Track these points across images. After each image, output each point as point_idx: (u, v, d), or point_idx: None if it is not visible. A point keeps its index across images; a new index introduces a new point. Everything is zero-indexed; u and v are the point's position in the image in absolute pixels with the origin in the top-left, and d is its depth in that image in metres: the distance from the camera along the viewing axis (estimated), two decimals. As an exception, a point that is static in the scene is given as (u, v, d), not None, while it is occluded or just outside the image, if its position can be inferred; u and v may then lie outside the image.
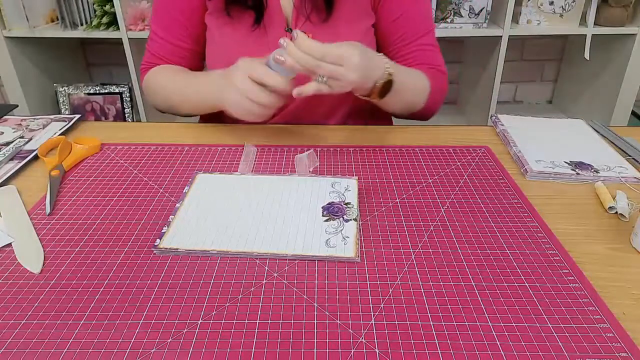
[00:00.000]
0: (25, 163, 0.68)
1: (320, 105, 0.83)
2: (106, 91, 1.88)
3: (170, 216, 0.55)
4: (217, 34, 0.81)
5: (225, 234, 0.52)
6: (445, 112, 2.09)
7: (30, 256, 0.49)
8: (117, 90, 1.88)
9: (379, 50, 0.85)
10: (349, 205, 0.56)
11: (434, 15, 1.65)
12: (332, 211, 0.56)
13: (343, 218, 0.54)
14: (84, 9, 1.66)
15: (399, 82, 0.68)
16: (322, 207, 0.56)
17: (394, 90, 0.68)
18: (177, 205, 0.57)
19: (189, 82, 0.79)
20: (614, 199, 0.58)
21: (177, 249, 0.50)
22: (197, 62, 0.87)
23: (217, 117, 0.92)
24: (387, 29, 0.82)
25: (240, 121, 0.86)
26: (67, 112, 1.88)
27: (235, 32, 0.79)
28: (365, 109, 0.89)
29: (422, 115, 0.83)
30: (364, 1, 0.80)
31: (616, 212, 0.57)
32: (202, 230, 0.53)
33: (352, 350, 0.39)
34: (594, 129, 0.78)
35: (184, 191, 0.60)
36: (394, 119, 1.01)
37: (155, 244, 0.50)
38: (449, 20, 1.67)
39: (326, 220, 0.54)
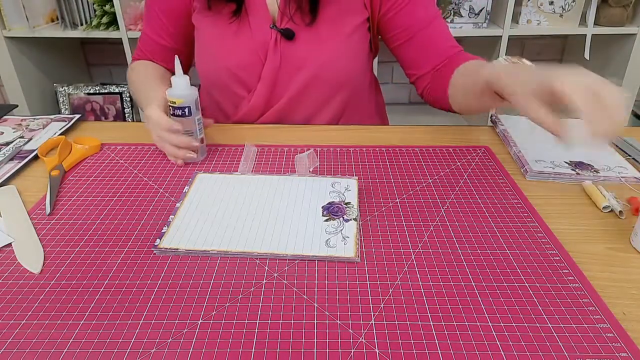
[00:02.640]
0: (25, 163, 0.68)
1: (305, 104, 0.83)
2: (106, 91, 1.88)
3: (170, 216, 0.55)
4: (203, 32, 0.81)
5: (226, 234, 0.52)
6: (445, 112, 2.09)
7: (30, 256, 0.49)
8: (117, 90, 1.88)
9: (373, 44, 0.85)
10: (349, 205, 0.56)
11: (434, 15, 1.65)
12: (332, 211, 0.55)
13: (343, 218, 0.54)
14: (84, 9, 1.66)
15: None
16: (322, 207, 0.56)
17: None
18: (177, 205, 0.57)
19: (141, 86, 0.80)
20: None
21: (177, 249, 0.50)
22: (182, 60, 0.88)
23: (216, 117, 0.92)
24: (396, 15, 0.79)
25: (240, 121, 0.86)
26: (67, 112, 1.88)
27: (220, 30, 0.79)
28: (358, 108, 0.89)
29: None
30: (353, 1, 0.78)
31: (611, 210, 0.57)
32: (202, 230, 0.53)
33: (352, 350, 0.39)
34: (594, 129, 0.78)
35: (184, 191, 0.60)
36: (390, 119, 1.01)
37: (156, 244, 0.50)
38: (449, 20, 1.67)
39: (326, 220, 0.54)
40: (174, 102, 0.64)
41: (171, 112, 0.66)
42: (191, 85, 0.66)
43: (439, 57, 0.80)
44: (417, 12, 0.79)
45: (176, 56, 0.66)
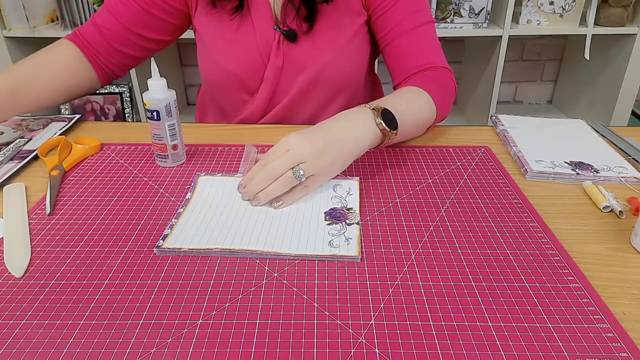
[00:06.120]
0: (25, 163, 0.68)
1: (307, 106, 0.83)
2: (106, 91, 1.88)
3: (173, 219, 0.55)
4: (206, 35, 0.81)
5: (229, 233, 0.52)
6: (445, 112, 2.09)
7: (16, 259, 0.49)
8: (117, 90, 1.88)
9: (375, 46, 0.84)
10: (351, 211, 0.56)
11: (433, 15, 1.65)
12: (335, 216, 0.55)
13: (345, 222, 0.54)
14: (84, 9, 1.67)
15: (401, 126, 0.64)
16: (324, 213, 0.56)
17: (400, 133, 0.64)
18: (180, 210, 0.57)
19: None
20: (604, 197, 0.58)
21: (180, 248, 0.50)
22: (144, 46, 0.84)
23: (218, 119, 0.92)
24: (378, 19, 0.78)
25: (240, 121, 0.86)
26: (67, 112, 1.88)
27: (223, 29, 0.79)
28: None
29: (436, 124, 0.77)
30: (352, 2, 0.78)
31: (611, 210, 0.57)
32: (206, 230, 0.53)
33: (352, 350, 0.39)
34: (594, 129, 0.78)
35: (186, 197, 0.59)
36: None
37: (158, 244, 0.50)
38: (449, 20, 1.67)
39: (329, 224, 0.54)
40: (146, 104, 0.63)
41: (146, 114, 0.65)
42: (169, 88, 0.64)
43: (402, 74, 0.78)
44: (395, 19, 0.77)
45: (152, 59, 0.65)
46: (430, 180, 0.63)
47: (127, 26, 0.80)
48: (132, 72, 1.69)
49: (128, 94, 1.88)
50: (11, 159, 0.69)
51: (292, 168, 0.55)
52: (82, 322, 0.41)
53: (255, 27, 0.78)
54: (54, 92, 0.80)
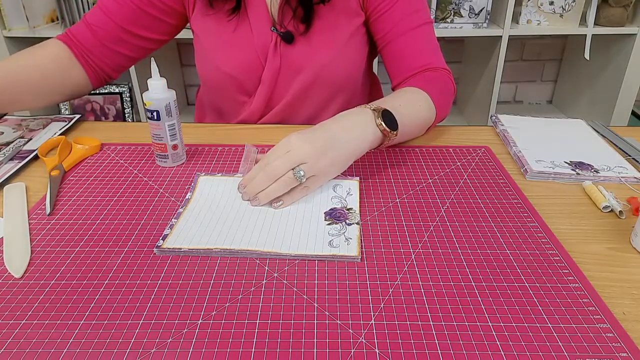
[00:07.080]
0: (25, 163, 0.68)
1: (306, 106, 0.83)
2: (106, 91, 1.88)
3: (173, 219, 0.55)
4: (203, 38, 0.81)
5: (229, 233, 0.52)
6: (445, 112, 2.09)
7: (16, 259, 0.49)
8: (117, 90, 1.88)
9: (373, 46, 0.84)
10: (350, 211, 0.56)
11: (433, 15, 1.65)
12: (335, 216, 0.55)
13: (345, 222, 0.54)
14: (84, 9, 1.67)
15: (401, 127, 0.64)
16: (324, 213, 0.56)
17: (400, 133, 0.64)
18: (180, 210, 0.57)
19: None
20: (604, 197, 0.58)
21: (180, 248, 0.50)
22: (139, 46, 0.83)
23: (216, 120, 0.92)
24: (376, 21, 0.78)
25: (239, 121, 0.86)
26: (67, 112, 1.88)
27: (221, 31, 0.79)
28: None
29: (435, 124, 0.76)
30: (350, 3, 0.78)
31: (611, 210, 0.57)
32: (206, 230, 0.53)
33: (352, 350, 0.39)
34: (594, 129, 0.78)
35: (186, 197, 0.59)
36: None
37: (158, 244, 0.50)
38: (449, 20, 1.67)
39: (329, 224, 0.54)
40: (146, 104, 0.63)
41: (146, 114, 0.65)
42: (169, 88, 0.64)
43: (401, 75, 0.78)
44: (393, 20, 0.77)
45: (152, 59, 0.64)
46: (430, 180, 0.63)
47: (121, 24, 0.78)
48: (132, 72, 1.69)
49: (128, 94, 1.88)
50: (11, 159, 0.69)
51: (293, 169, 0.55)
52: (82, 322, 0.41)
53: (253, 29, 0.78)
54: (34, 92, 0.77)
